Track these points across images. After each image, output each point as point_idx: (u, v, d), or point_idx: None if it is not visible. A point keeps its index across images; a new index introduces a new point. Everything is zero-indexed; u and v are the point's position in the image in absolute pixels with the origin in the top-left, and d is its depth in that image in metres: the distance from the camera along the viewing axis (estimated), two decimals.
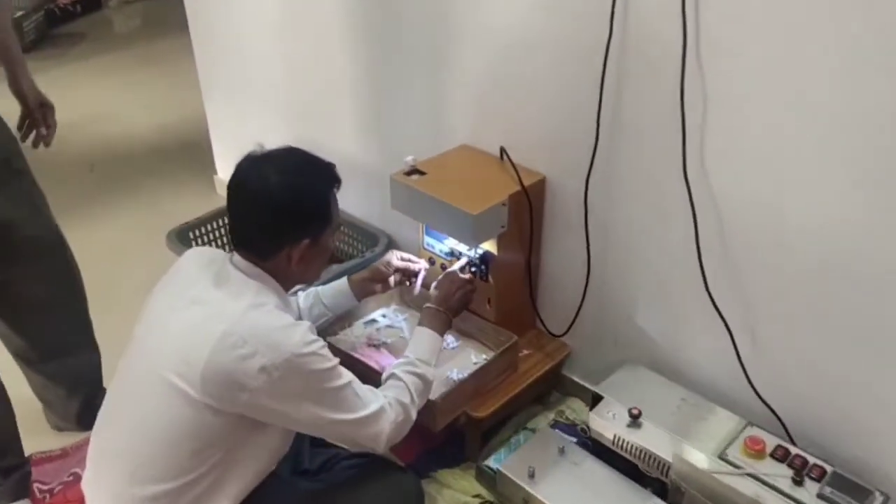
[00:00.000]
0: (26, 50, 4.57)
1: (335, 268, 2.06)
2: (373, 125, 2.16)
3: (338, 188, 1.32)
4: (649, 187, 1.55)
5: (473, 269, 1.75)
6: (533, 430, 1.77)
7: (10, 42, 1.56)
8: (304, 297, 1.64)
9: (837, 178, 1.28)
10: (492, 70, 1.74)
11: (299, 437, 1.39)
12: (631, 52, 1.45)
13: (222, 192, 1.85)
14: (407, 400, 1.34)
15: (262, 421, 1.21)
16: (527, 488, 1.52)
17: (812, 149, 1.29)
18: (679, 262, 1.54)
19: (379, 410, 1.28)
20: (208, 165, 3.01)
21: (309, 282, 1.53)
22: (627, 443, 1.50)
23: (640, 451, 1.49)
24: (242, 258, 1.27)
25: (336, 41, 2.10)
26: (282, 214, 1.24)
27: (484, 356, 1.76)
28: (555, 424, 1.81)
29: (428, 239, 1.86)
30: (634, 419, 1.50)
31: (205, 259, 1.32)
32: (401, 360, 1.43)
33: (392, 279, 1.68)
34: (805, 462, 1.38)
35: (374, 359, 1.74)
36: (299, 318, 1.60)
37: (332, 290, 1.66)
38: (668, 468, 1.45)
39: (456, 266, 1.71)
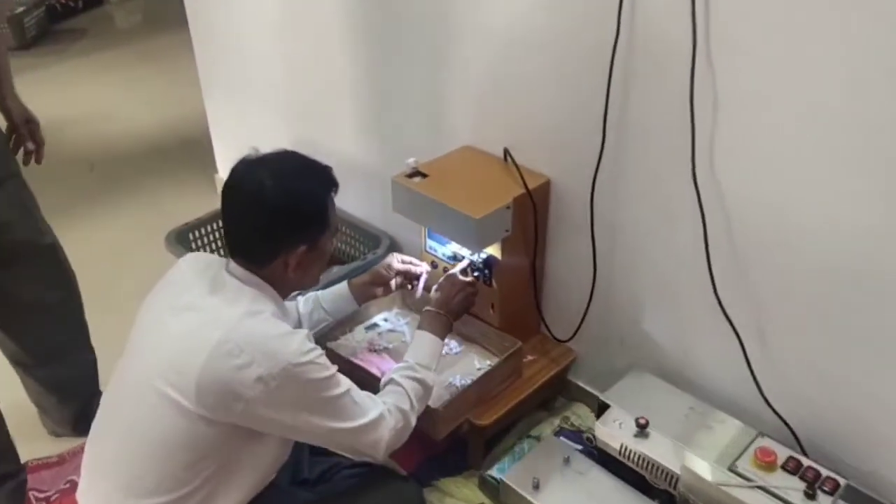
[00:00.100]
0: (27, 46, 4.58)
1: (336, 270, 2.04)
2: (374, 125, 2.13)
3: (335, 192, 1.29)
4: (657, 189, 1.52)
5: (477, 274, 1.72)
6: (537, 438, 1.74)
7: None
8: (303, 301, 1.61)
9: (852, 180, 1.25)
10: (493, 70, 1.71)
11: (299, 446, 1.37)
12: (638, 50, 1.42)
13: None
14: (406, 406, 1.32)
15: (259, 430, 1.19)
16: (531, 499, 1.49)
17: (826, 150, 1.25)
18: (687, 265, 1.51)
19: (378, 418, 1.26)
20: (209, 164, 2.99)
21: (307, 288, 1.50)
22: (634, 453, 1.47)
23: (648, 462, 1.46)
24: (238, 265, 1.25)
25: (336, 41, 2.08)
26: (277, 220, 1.21)
27: (487, 362, 1.74)
28: (560, 431, 1.78)
29: (430, 242, 1.83)
30: (642, 429, 1.47)
31: (200, 265, 1.30)
32: (400, 365, 1.41)
33: (393, 282, 1.65)
34: (818, 474, 1.35)
35: (375, 364, 1.72)
36: (299, 322, 1.59)
37: (333, 295, 1.63)
38: (677, 480, 1.42)
39: (457, 268, 1.68)
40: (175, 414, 1.13)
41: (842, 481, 1.33)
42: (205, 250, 2.28)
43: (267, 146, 1.28)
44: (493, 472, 1.63)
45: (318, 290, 1.65)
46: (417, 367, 1.39)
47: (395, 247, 2.17)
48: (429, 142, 1.89)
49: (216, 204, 2.38)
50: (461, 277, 1.62)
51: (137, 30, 5.26)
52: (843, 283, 1.31)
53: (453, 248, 1.77)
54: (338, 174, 1.30)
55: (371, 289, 1.65)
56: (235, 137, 2.75)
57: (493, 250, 1.68)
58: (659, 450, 1.45)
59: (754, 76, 1.29)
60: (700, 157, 1.40)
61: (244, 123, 2.65)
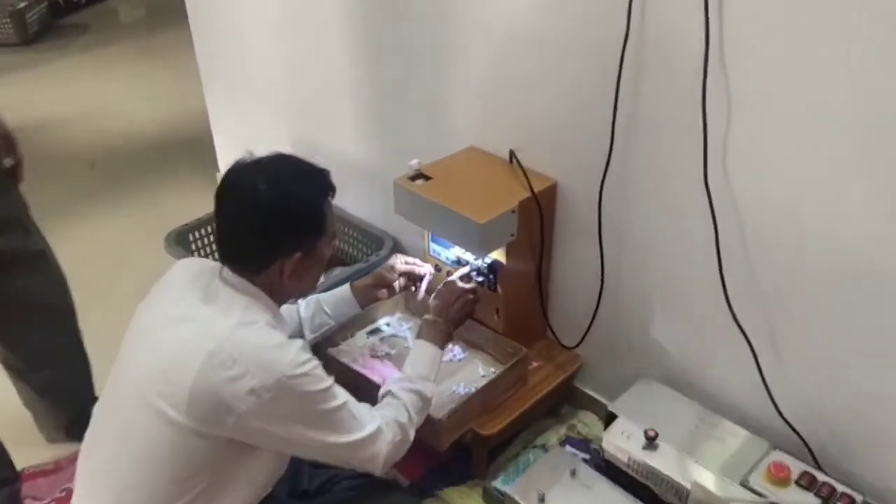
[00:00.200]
0: (29, 42, 4.55)
1: (339, 272, 2.00)
2: (375, 125, 2.10)
3: (332, 196, 1.25)
4: (666, 191, 1.48)
5: (481, 279, 1.68)
6: (543, 447, 1.70)
7: None
8: (304, 305, 1.58)
9: (869, 183, 1.20)
10: (496, 69, 1.67)
11: (297, 457, 1.32)
12: (649, 50, 1.38)
13: None
14: (405, 419, 1.29)
15: (253, 444, 1.16)
16: None
17: (843, 152, 1.21)
18: (698, 269, 1.46)
19: (376, 431, 1.23)
20: (210, 162, 2.95)
21: (303, 295, 1.47)
22: (643, 466, 1.43)
23: (657, 476, 1.41)
24: (232, 272, 1.21)
25: (336, 39, 2.04)
26: (272, 226, 1.17)
27: (492, 369, 1.70)
28: (566, 440, 1.74)
29: (434, 245, 1.79)
30: (650, 441, 1.43)
31: (195, 271, 1.26)
32: (398, 376, 1.38)
33: (397, 284, 1.62)
34: (833, 490, 1.31)
35: (377, 371, 1.68)
36: (299, 327, 1.56)
37: (335, 298, 1.60)
38: (687, 495, 1.37)
39: (457, 274, 1.63)
40: (166, 427, 1.10)
41: (858, 497, 1.29)
42: (204, 251, 2.25)
43: (266, 145, 1.25)
44: (498, 483, 1.58)
45: (320, 292, 1.61)
46: (416, 379, 1.36)
47: (398, 248, 2.13)
48: (431, 142, 1.85)
49: None
50: (460, 284, 1.57)
51: (141, 24, 5.23)
52: (863, 290, 1.26)
53: (457, 251, 1.73)
54: (338, 174, 1.27)
55: (374, 291, 1.61)
56: (236, 136, 2.72)
57: (499, 255, 1.64)
58: (668, 463, 1.40)
59: (768, 76, 1.24)
60: (712, 159, 1.35)
61: (244, 122, 2.63)
